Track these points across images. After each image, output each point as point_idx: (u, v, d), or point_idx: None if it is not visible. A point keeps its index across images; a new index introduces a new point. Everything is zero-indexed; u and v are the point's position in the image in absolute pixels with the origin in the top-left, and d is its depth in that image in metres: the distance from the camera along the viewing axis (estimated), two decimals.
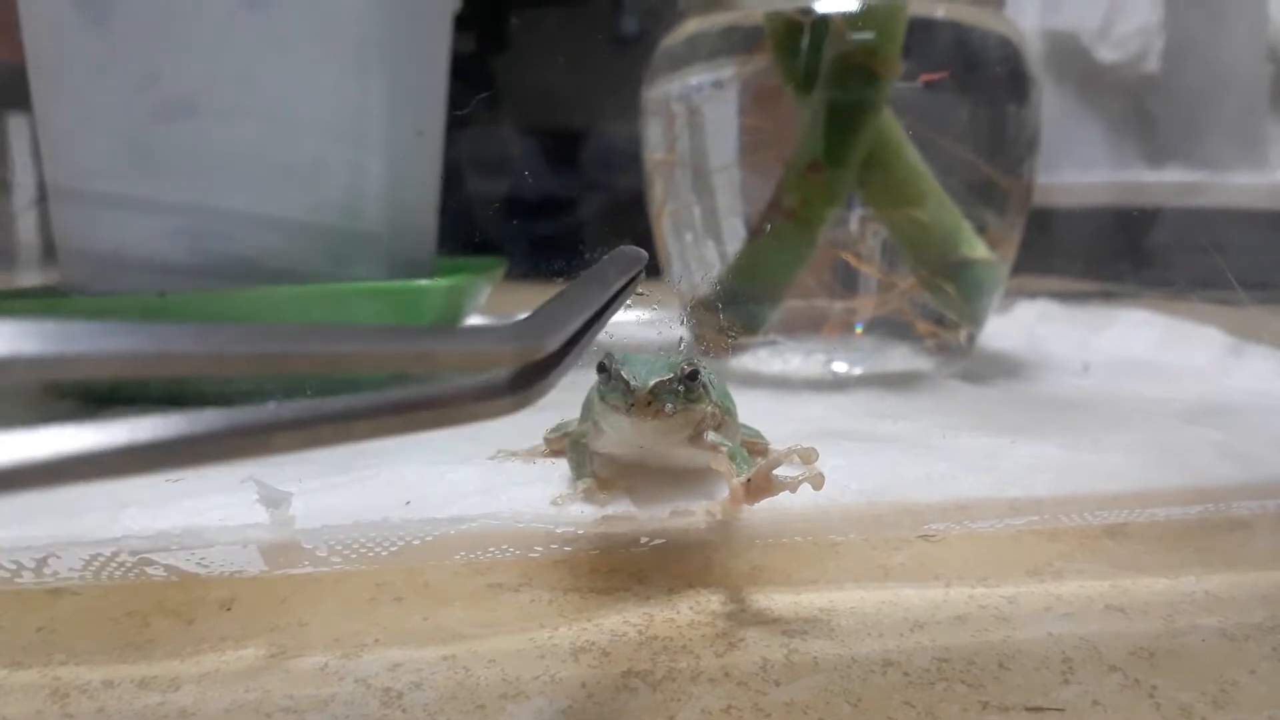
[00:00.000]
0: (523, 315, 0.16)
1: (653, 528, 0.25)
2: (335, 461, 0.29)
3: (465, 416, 0.15)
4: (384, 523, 0.24)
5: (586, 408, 0.27)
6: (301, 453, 0.13)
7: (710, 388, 0.26)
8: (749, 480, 0.23)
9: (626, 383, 0.23)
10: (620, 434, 0.25)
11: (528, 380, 0.16)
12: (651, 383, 0.23)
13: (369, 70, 0.39)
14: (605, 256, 0.22)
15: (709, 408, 0.25)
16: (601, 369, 0.24)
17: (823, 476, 0.23)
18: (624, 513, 0.25)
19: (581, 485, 0.26)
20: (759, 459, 0.24)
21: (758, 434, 0.30)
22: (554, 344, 0.16)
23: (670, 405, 0.24)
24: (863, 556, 0.24)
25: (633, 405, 0.23)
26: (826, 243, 0.42)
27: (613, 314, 0.20)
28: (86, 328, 0.11)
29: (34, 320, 0.10)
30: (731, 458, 0.24)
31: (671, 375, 0.24)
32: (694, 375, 0.24)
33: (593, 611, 0.21)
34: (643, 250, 0.23)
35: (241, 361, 0.12)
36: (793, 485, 0.22)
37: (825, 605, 0.21)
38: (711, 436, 0.25)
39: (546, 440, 0.30)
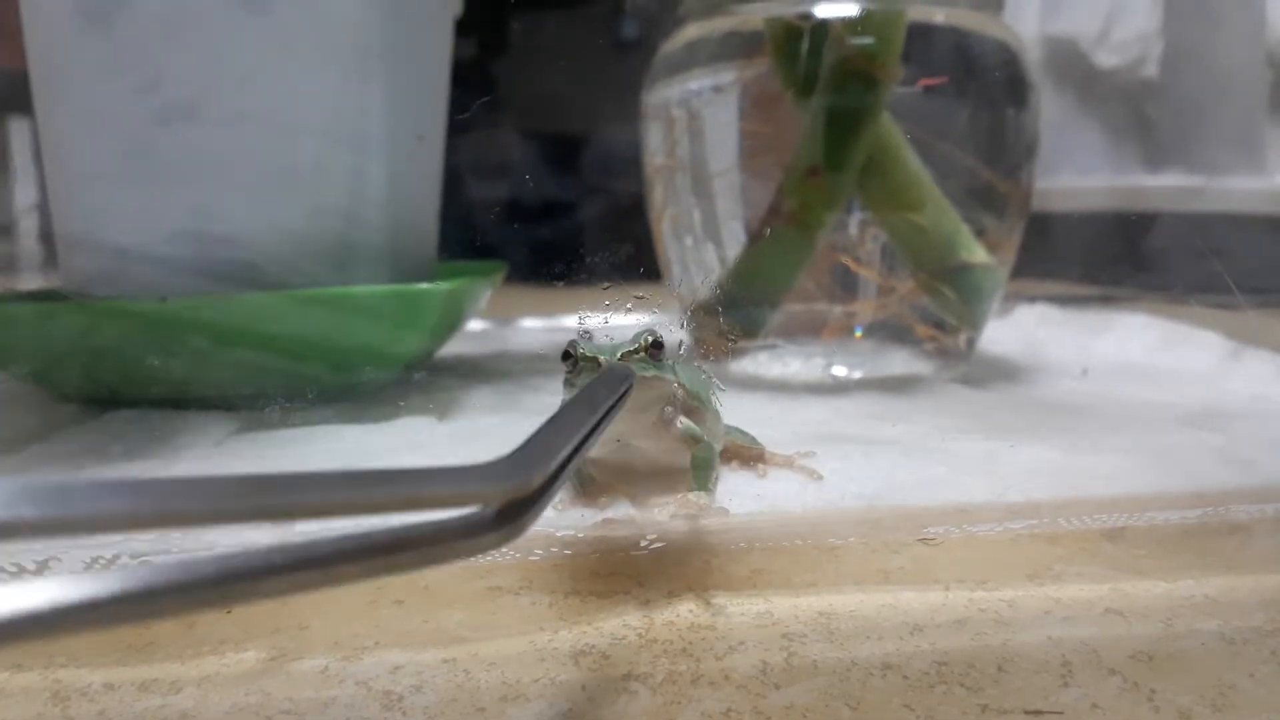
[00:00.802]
0: (507, 453, 0.16)
1: (653, 531, 0.25)
2: (336, 463, 0.29)
3: (451, 554, 0.15)
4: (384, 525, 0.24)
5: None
6: (288, 597, 0.13)
7: (675, 368, 0.25)
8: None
9: (594, 360, 0.23)
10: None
11: (516, 513, 0.16)
12: (620, 354, 0.23)
13: (370, 75, 0.39)
14: (594, 379, 0.22)
15: (675, 383, 0.25)
16: (567, 356, 0.24)
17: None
18: (623, 516, 0.25)
19: (581, 491, 0.26)
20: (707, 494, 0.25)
21: (752, 439, 0.30)
22: (542, 477, 0.16)
23: (641, 373, 0.23)
24: (862, 560, 0.24)
25: None
26: (826, 247, 0.42)
27: (602, 431, 0.20)
28: (82, 488, 0.11)
29: (32, 484, 0.10)
30: (697, 467, 0.24)
31: (637, 346, 0.24)
32: (659, 344, 0.24)
33: (593, 614, 0.21)
34: (630, 368, 0.23)
35: (236, 515, 0.12)
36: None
37: (825, 608, 0.21)
38: (683, 423, 0.24)
39: None
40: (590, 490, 0.26)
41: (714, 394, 0.28)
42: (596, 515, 0.25)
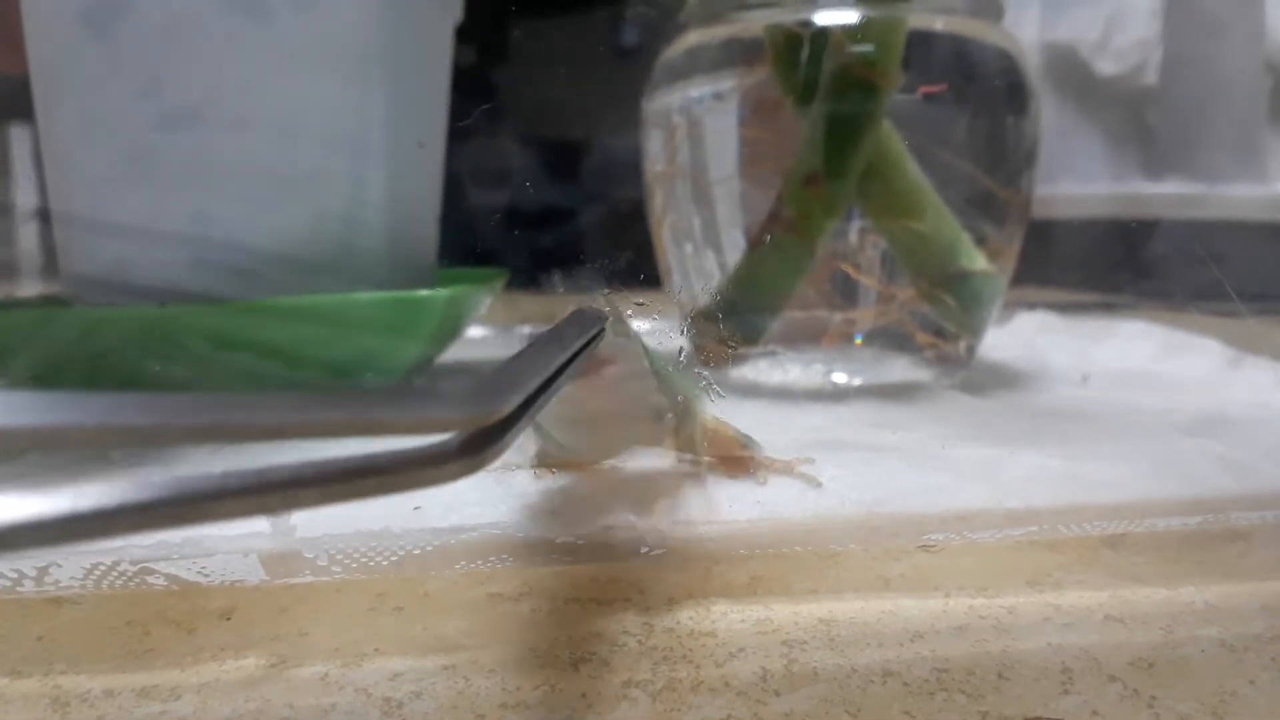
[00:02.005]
0: (474, 379, 0.16)
1: (653, 538, 0.25)
2: None
3: (413, 482, 0.15)
4: (384, 532, 0.24)
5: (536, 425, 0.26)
6: (248, 518, 0.13)
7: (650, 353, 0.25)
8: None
9: None
10: (569, 425, 0.24)
11: (479, 444, 0.16)
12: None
13: (371, 82, 0.39)
14: (563, 318, 0.22)
15: (645, 361, 0.24)
16: None
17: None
18: (625, 523, 0.25)
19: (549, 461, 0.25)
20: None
21: (749, 440, 0.30)
22: (507, 408, 0.16)
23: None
24: (862, 567, 0.24)
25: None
26: (826, 254, 0.42)
27: (570, 375, 0.20)
28: (27, 399, 0.11)
29: None
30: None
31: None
32: (620, 320, 0.24)
33: (593, 621, 0.21)
34: (602, 310, 0.23)
35: (185, 433, 0.12)
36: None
37: (825, 615, 0.21)
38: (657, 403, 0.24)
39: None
40: (569, 463, 0.25)
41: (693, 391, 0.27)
42: (596, 520, 0.25)
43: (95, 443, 0.11)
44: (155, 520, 0.12)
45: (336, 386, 0.14)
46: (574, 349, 0.20)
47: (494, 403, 0.16)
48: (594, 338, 0.22)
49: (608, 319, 0.23)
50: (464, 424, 0.15)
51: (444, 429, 0.15)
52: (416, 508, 0.25)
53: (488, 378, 0.16)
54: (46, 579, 0.22)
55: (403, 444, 0.15)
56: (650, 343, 0.27)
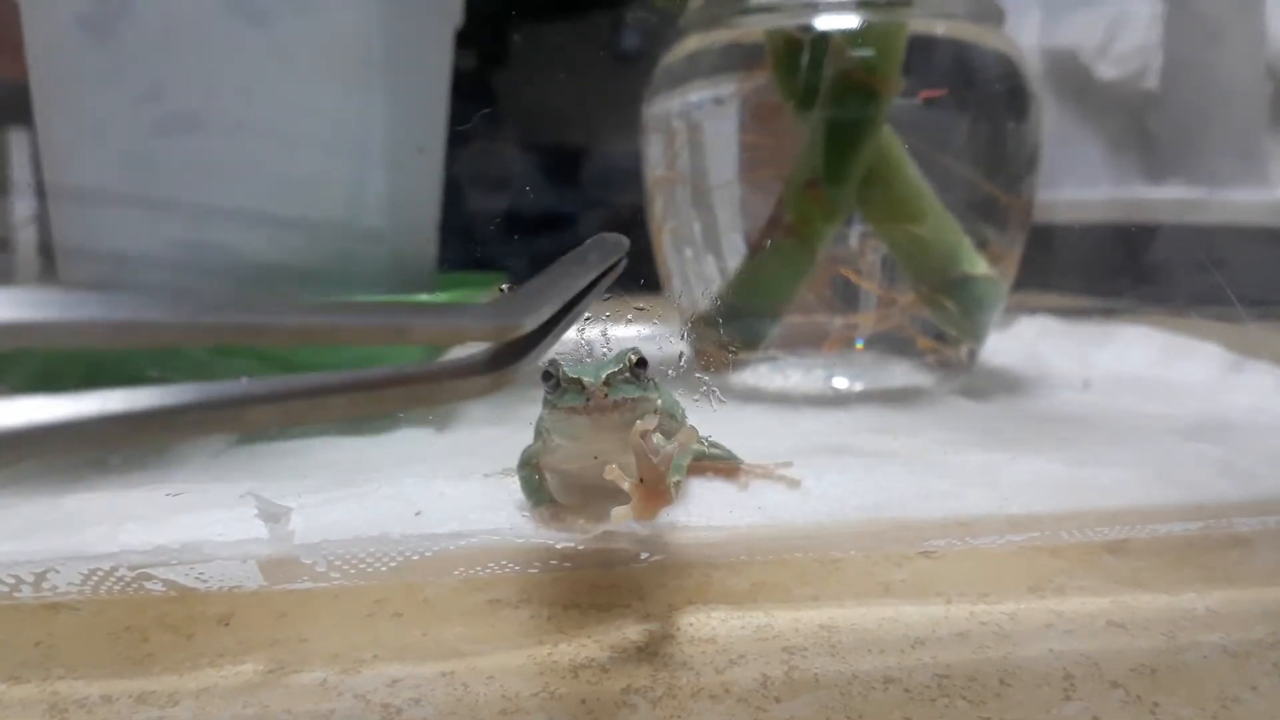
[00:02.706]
0: (500, 296, 0.16)
1: (653, 544, 0.25)
2: (334, 476, 0.29)
3: (442, 395, 0.15)
4: (383, 538, 0.24)
5: (538, 426, 0.27)
6: (276, 428, 0.13)
7: (657, 386, 0.25)
8: (641, 481, 0.22)
9: (578, 382, 0.23)
10: (574, 442, 0.25)
11: (505, 360, 0.16)
12: (604, 375, 0.23)
13: (371, 86, 0.39)
14: (587, 241, 0.22)
15: (658, 399, 0.25)
16: (548, 377, 0.24)
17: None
18: (624, 529, 0.25)
19: (538, 512, 0.26)
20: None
21: (730, 454, 0.30)
22: (532, 323, 0.16)
23: (625, 396, 0.23)
24: (863, 573, 0.24)
25: (589, 401, 0.23)
26: (827, 259, 0.42)
27: (593, 298, 0.20)
28: (59, 297, 0.10)
29: (30, 292, 0.10)
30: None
31: (621, 365, 0.24)
32: (643, 363, 0.24)
33: (592, 628, 0.21)
34: (624, 237, 0.23)
35: (216, 332, 0.12)
36: (667, 499, 0.22)
37: (826, 622, 0.21)
38: (658, 440, 0.24)
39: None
40: (558, 514, 0.26)
41: (683, 411, 0.28)
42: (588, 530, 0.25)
43: (122, 342, 0.11)
44: (184, 427, 0.12)
45: (372, 299, 0.14)
46: (596, 272, 0.20)
47: (519, 317, 0.16)
48: (616, 263, 0.22)
49: (628, 246, 0.23)
50: (491, 335, 0.16)
51: (472, 339, 0.16)
52: (418, 513, 0.25)
53: (512, 294, 0.17)
54: (45, 584, 0.22)
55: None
56: (650, 348, 0.27)
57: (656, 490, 0.22)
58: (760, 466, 0.29)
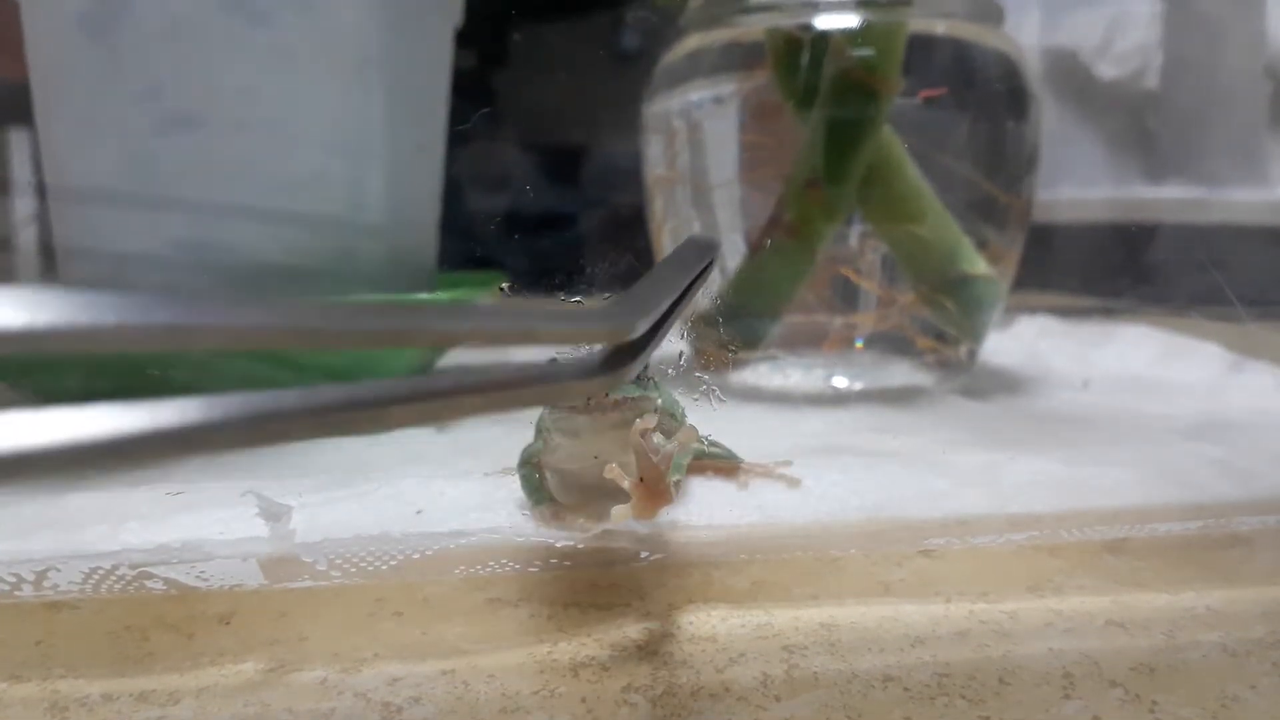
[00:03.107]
0: (611, 301, 0.17)
1: (653, 543, 0.25)
2: (335, 475, 0.29)
3: (565, 393, 0.17)
4: (384, 537, 0.24)
5: (538, 425, 0.27)
6: (416, 425, 0.13)
7: (657, 385, 0.25)
8: (641, 480, 0.22)
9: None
10: (575, 441, 0.25)
11: (619, 360, 0.17)
12: None
13: (370, 85, 0.39)
14: (681, 244, 0.23)
15: (659, 399, 0.25)
16: None
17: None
18: (624, 528, 0.25)
19: (538, 511, 0.26)
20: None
21: (730, 453, 0.30)
22: (643, 326, 0.17)
23: (626, 395, 0.24)
24: (863, 572, 0.24)
25: (590, 400, 0.23)
26: (826, 258, 0.42)
27: (692, 298, 0.21)
28: (104, 298, 0.10)
29: (33, 291, 0.09)
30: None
31: None
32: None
33: (592, 626, 0.21)
34: (715, 238, 0.23)
35: (348, 336, 0.12)
36: (668, 497, 0.22)
37: (825, 620, 0.21)
38: (658, 440, 0.24)
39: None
40: (558, 513, 0.26)
41: (682, 411, 0.28)
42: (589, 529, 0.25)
43: (146, 344, 0.10)
44: (327, 426, 0.12)
45: (496, 305, 0.14)
46: (694, 273, 0.21)
47: (631, 319, 0.17)
48: (710, 263, 0.23)
49: (719, 247, 0.23)
50: (607, 338, 0.16)
51: (590, 341, 0.17)
52: (419, 511, 0.25)
53: (622, 298, 0.18)
54: (45, 583, 0.22)
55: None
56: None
57: (657, 489, 0.22)
58: (760, 466, 0.29)
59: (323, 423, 0.12)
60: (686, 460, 0.28)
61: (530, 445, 0.27)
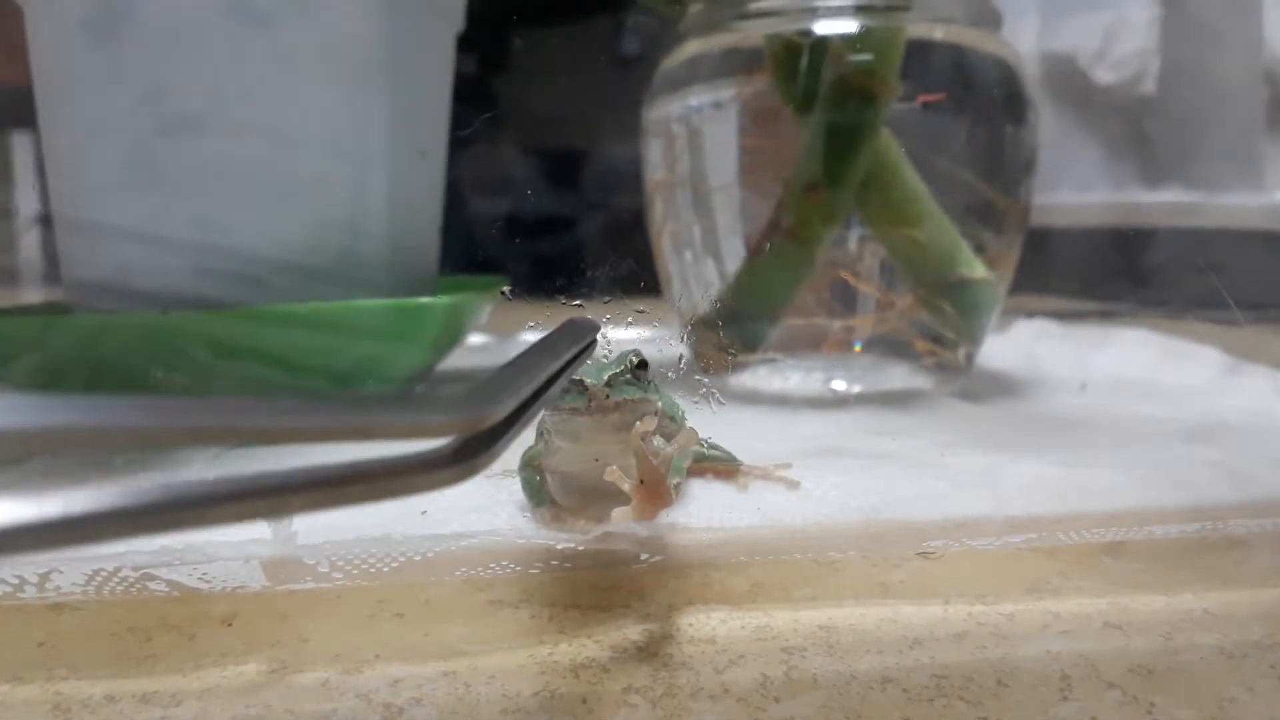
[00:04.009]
0: (468, 386, 0.16)
1: (653, 545, 0.25)
2: None
3: (406, 489, 0.15)
4: (385, 539, 0.24)
5: (539, 427, 0.27)
6: (236, 525, 0.13)
7: (657, 388, 0.26)
8: (641, 482, 0.22)
9: (580, 383, 0.23)
10: (576, 444, 0.25)
11: (472, 450, 0.16)
12: (606, 376, 0.23)
13: (373, 90, 0.39)
14: (558, 326, 0.22)
15: (659, 401, 0.25)
16: None
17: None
18: (624, 530, 0.25)
19: (539, 513, 0.26)
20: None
21: (729, 456, 0.30)
22: (500, 414, 0.16)
23: (626, 397, 0.24)
24: (862, 574, 0.24)
25: (591, 403, 0.23)
26: (825, 262, 0.42)
27: (563, 383, 0.20)
28: (26, 403, 0.11)
29: None
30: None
31: (623, 367, 0.24)
32: (644, 364, 0.25)
33: (593, 628, 0.21)
34: (596, 321, 0.23)
35: (185, 435, 0.12)
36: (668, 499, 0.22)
37: (824, 622, 0.21)
38: (658, 443, 0.24)
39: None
40: (558, 515, 0.26)
41: (682, 413, 0.28)
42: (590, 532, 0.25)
43: (94, 445, 0.11)
44: (150, 525, 0.12)
45: (335, 393, 0.14)
46: (566, 358, 0.20)
47: (486, 409, 0.16)
48: (586, 347, 0.22)
49: (600, 328, 0.23)
50: (457, 429, 0.15)
51: (438, 434, 0.15)
52: (423, 512, 0.25)
53: (481, 385, 0.16)
54: (48, 585, 0.22)
55: (398, 449, 0.15)
56: (650, 351, 0.27)
57: (656, 492, 0.22)
58: (759, 468, 0.30)
59: (146, 522, 0.12)
60: (686, 462, 0.28)
61: (531, 448, 0.27)
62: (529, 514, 0.26)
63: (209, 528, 0.12)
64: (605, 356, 0.25)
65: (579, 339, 0.22)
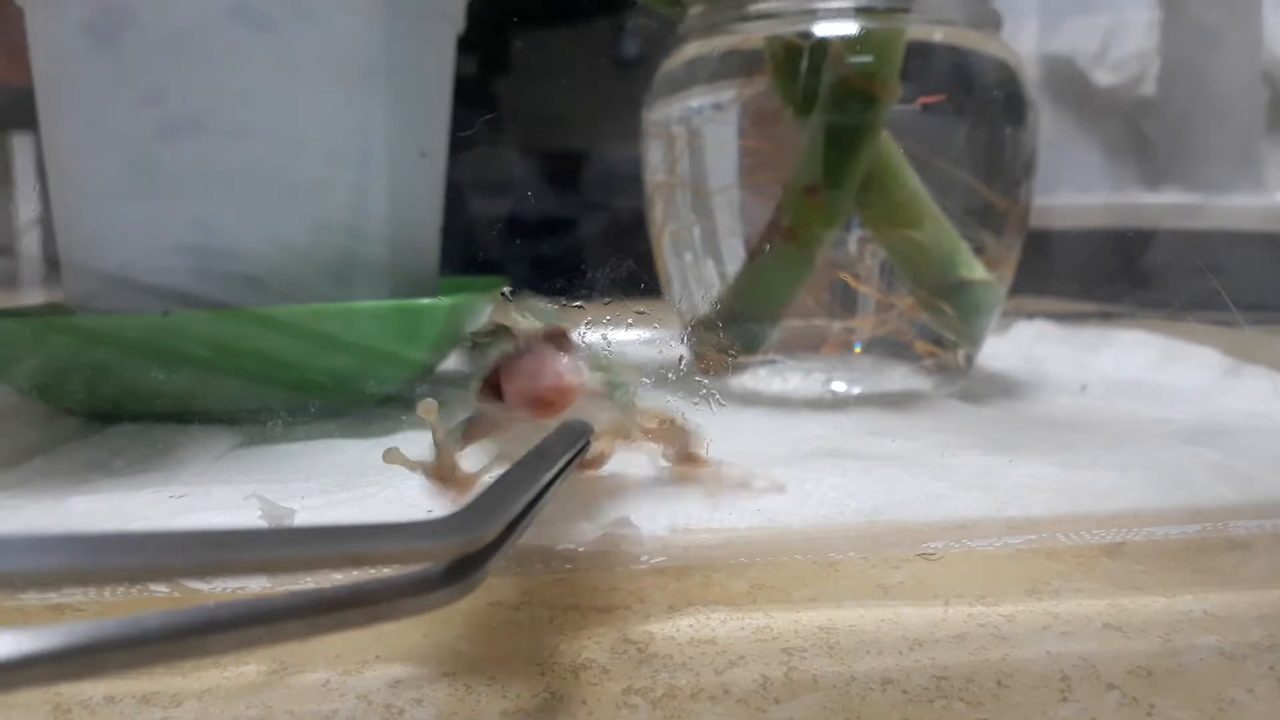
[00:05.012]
0: (457, 509, 0.16)
1: (653, 546, 0.25)
2: (337, 478, 0.29)
3: (400, 612, 0.15)
4: None
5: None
6: (237, 654, 0.13)
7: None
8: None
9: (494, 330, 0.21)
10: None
11: (464, 570, 0.16)
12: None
13: (373, 91, 0.39)
14: (550, 433, 0.21)
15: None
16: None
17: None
18: (625, 531, 0.25)
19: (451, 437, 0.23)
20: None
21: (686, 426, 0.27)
22: (491, 534, 0.16)
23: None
24: (862, 575, 0.24)
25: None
26: (825, 263, 0.42)
27: (558, 488, 0.20)
28: (25, 541, 0.11)
29: None
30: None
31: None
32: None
33: (593, 629, 0.21)
34: (588, 422, 0.22)
35: (174, 571, 0.12)
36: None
37: (824, 623, 0.21)
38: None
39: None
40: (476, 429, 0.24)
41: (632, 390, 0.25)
42: (597, 529, 0.25)
43: (85, 584, 0.11)
44: (150, 657, 0.12)
45: (327, 524, 0.14)
46: (559, 465, 0.20)
47: (478, 530, 0.16)
48: (580, 450, 0.21)
49: (593, 431, 0.22)
50: (450, 553, 0.15)
51: (431, 560, 0.15)
52: (429, 510, 0.25)
53: (472, 504, 0.16)
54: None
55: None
56: (651, 352, 0.27)
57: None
58: (738, 473, 0.27)
59: (141, 654, 0.12)
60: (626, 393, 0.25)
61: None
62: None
63: (209, 658, 0.12)
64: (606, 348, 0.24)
65: (572, 444, 0.21)
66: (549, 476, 0.19)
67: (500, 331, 0.21)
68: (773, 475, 0.28)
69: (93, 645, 0.11)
